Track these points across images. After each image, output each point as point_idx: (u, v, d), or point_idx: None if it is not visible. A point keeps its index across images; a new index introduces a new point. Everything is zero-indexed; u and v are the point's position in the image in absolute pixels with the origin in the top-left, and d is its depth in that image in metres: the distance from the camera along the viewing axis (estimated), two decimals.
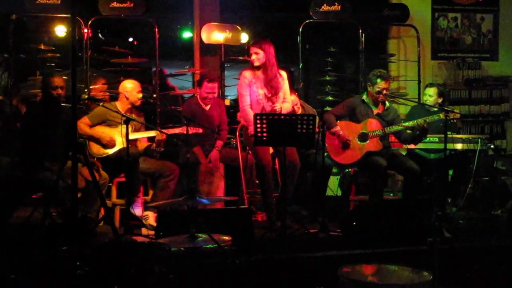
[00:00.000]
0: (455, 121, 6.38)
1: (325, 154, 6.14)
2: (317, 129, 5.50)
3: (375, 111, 6.38)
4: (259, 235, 5.30)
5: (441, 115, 6.14)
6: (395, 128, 6.26)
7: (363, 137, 6.23)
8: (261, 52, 5.90)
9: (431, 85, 7.01)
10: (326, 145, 6.12)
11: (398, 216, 5.29)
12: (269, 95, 5.93)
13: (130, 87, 6.24)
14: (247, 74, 5.99)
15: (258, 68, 5.95)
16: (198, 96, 6.67)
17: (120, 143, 6.04)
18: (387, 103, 6.46)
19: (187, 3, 8.47)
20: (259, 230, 5.43)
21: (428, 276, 3.43)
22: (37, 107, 6.17)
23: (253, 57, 5.93)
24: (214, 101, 6.67)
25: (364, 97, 6.40)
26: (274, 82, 5.94)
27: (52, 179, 5.31)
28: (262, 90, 5.93)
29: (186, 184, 6.08)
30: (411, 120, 6.30)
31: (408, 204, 5.75)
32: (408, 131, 6.23)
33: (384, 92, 6.25)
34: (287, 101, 6.07)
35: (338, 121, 6.31)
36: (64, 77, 6.11)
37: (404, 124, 6.28)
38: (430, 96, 6.79)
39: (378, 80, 6.26)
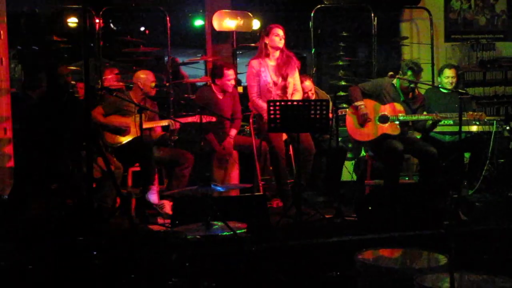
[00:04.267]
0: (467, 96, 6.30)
1: (339, 138, 6.12)
2: (330, 114, 5.48)
3: (403, 97, 6.32)
4: (275, 221, 5.29)
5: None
6: (415, 117, 6.20)
7: (384, 119, 6.17)
8: (283, 36, 5.96)
9: (451, 66, 6.90)
10: (346, 119, 6.18)
11: (414, 200, 5.28)
12: (279, 82, 5.94)
13: (144, 78, 6.24)
14: (255, 63, 6.01)
15: (267, 55, 5.97)
16: (216, 86, 6.58)
17: (134, 132, 6.05)
18: (416, 91, 6.43)
19: None
20: (275, 217, 5.42)
21: (445, 259, 3.42)
22: (45, 99, 6.18)
23: (278, 38, 5.94)
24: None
25: (395, 81, 6.33)
26: (285, 68, 5.96)
27: (67, 170, 5.34)
28: (271, 78, 5.94)
29: (200, 172, 6.08)
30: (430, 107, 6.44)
31: (424, 187, 5.73)
32: (429, 122, 6.18)
33: (412, 85, 6.21)
34: (298, 90, 6.07)
35: (364, 99, 6.26)
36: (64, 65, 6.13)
37: (423, 115, 6.21)
38: (453, 77, 6.71)
39: (409, 72, 6.19)
